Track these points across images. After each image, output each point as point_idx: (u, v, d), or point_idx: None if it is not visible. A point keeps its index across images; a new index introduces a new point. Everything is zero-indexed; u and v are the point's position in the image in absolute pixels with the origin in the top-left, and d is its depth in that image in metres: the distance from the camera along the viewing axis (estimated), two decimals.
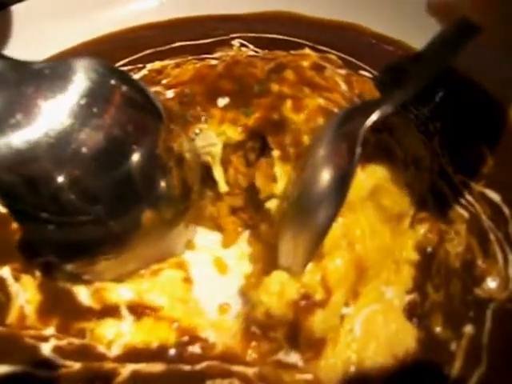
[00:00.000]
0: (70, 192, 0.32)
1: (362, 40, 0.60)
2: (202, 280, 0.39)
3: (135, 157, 0.33)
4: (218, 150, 0.38)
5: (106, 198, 0.33)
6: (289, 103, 0.39)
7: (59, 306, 0.36)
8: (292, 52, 0.47)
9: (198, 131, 0.38)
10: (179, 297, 0.36)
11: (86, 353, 0.33)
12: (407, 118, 0.50)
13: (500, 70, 0.52)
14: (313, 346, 0.33)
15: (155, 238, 0.36)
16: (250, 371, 0.33)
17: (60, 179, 0.32)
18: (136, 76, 0.57)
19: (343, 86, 0.44)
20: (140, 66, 0.59)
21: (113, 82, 0.34)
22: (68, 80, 0.33)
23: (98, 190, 0.33)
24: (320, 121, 0.37)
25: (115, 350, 0.34)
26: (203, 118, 0.41)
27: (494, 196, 0.46)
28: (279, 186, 0.37)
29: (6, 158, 0.31)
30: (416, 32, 0.56)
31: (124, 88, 0.34)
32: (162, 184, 0.35)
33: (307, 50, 0.47)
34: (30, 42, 0.58)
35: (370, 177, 0.35)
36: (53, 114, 0.32)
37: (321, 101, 0.39)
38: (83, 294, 0.36)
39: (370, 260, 0.34)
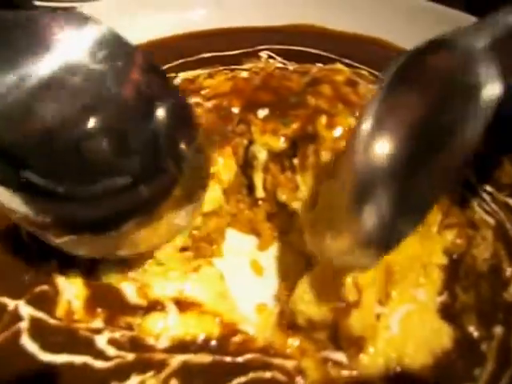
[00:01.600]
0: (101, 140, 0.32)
1: (386, 54, 0.65)
2: (240, 280, 0.43)
3: (162, 112, 0.33)
4: (262, 158, 0.42)
5: (138, 151, 0.33)
6: (324, 119, 0.43)
7: (105, 301, 0.39)
8: (325, 67, 0.51)
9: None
10: (219, 293, 0.40)
11: (136, 344, 0.37)
12: None
13: None
14: (354, 344, 0.36)
15: (178, 208, 0.36)
16: (290, 364, 0.36)
17: (88, 124, 0.32)
18: None
19: None
20: (173, 74, 0.63)
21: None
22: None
23: (130, 139, 0.33)
24: None
25: (163, 342, 0.37)
26: (242, 129, 0.45)
27: None
28: (302, 193, 0.41)
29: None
30: None
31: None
32: (187, 150, 0.35)
33: (339, 65, 0.51)
34: None
35: None
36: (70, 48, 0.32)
37: (352, 121, 0.42)
38: (128, 290, 0.39)
39: (398, 265, 0.38)
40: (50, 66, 0.31)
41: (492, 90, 0.29)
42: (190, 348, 0.37)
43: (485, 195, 0.50)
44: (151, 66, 0.35)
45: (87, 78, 0.32)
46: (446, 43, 0.32)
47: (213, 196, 0.41)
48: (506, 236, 0.46)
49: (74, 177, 0.32)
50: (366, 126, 0.28)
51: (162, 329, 0.37)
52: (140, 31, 0.68)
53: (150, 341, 0.37)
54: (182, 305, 0.39)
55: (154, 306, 0.38)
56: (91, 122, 0.32)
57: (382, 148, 0.28)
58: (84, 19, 0.34)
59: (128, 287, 0.39)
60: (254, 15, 0.72)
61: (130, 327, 0.38)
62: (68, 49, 0.32)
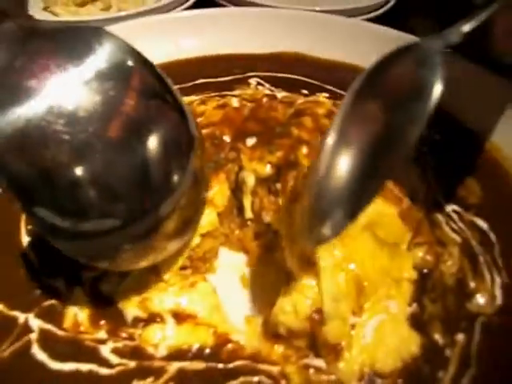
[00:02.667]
0: (90, 187, 0.31)
1: None
2: (230, 293, 0.47)
3: (153, 147, 0.34)
4: (251, 182, 0.47)
5: (126, 194, 0.33)
6: (304, 149, 0.49)
7: (108, 314, 0.44)
8: (309, 99, 0.57)
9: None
10: (213, 306, 0.44)
11: (137, 353, 0.41)
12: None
13: (486, 117, 0.63)
14: (332, 351, 0.41)
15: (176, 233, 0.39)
16: (275, 370, 0.41)
17: (77, 171, 0.31)
18: None
19: None
20: None
21: (132, 63, 0.35)
22: (87, 51, 0.32)
23: (118, 184, 0.33)
24: None
25: (162, 351, 0.42)
26: (233, 156, 0.51)
27: (482, 224, 0.55)
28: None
29: (12, 139, 0.29)
30: None
31: (144, 72, 0.35)
32: (181, 181, 0.36)
33: (322, 98, 0.57)
34: None
35: (364, 213, 0.42)
36: (64, 87, 0.31)
37: None
38: (130, 304, 0.44)
39: (369, 279, 0.43)
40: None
41: (436, 90, 0.34)
42: (186, 356, 0.42)
43: (453, 214, 0.56)
44: (147, 85, 0.35)
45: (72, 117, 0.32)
46: (404, 51, 0.37)
47: (208, 219, 0.46)
48: (471, 252, 0.52)
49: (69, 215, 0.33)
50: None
51: (160, 339, 0.42)
52: None
53: (150, 350, 0.42)
54: (179, 317, 0.43)
55: (154, 318, 0.43)
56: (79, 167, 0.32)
57: (344, 159, 0.33)
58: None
59: (129, 301, 0.44)
60: (245, 44, 0.78)
61: (131, 337, 0.43)
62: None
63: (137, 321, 0.43)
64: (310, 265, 0.42)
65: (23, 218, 0.52)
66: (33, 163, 0.31)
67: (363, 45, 0.76)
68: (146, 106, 0.35)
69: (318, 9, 0.88)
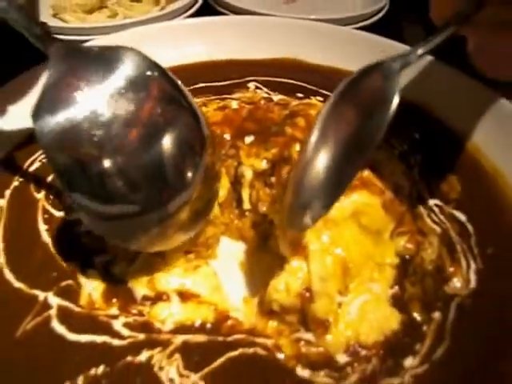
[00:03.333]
0: (116, 178, 0.39)
1: None
2: (230, 277, 0.53)
3: (169, 144, 0.41)
4: (248, 176, 0.52)
5: (146, 186, 0.40)
6: (297, 146, 0.55)
7: (119, 293, 0.49)
8: (303, 101, 0.62)
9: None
10: (214, 287, 0.50)
11: (146, 327, 0.47)
12: (391, 153, 0.65)
13: (467, 119, 0.69)
14: (320, 326, 0.46)
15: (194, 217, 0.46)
16: (269, 342, 0.46)
17: (107, 164, 0.39)
18: None
19: None
20: None
21: (153, 74, 0.42)
22: (114, 66, 0.40)
23: (139, 177, 0.40)
24: None
25: (168, 326, 0.47)
26: (232, 152, 0.56)
27: (461, 216, 0.60)
28: (277, 206, 0.51)
29: (59, 138, 0.37)
30: (412, 82, 0.74)
31: (163, 81, 0.43)
32: (194, 177, 0.43)
33: (314, 100, 0.62)
34: None
35: (350, 202, 0.49)
36: (100, 96, 0.39)
37: None
38: (139, 283, 0.49)
39: (354, 262, 0.48)
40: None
41: (395, 101, 0.42)
42: (190, 330, 0.47)
43: (434, 207, 0.62)
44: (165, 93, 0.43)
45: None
46: (375, 67, 0.45)
47: None
48: (449, 242, 0.57)
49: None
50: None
51: (166, 315, 0.47)
52: None
53: (157, 324, 0.47)
54: (184, 296, 0.49)
55: (161, 297, 0.48)
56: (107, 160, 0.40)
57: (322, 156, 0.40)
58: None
59: (138, 282, 0.49)
60: (244, 50, 0.84)
61: (140, 314, 0.48)
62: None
63: (145, 299, 0.48)
64: (300, 249, 0.47)
65: (40, 207, 0.58)
66: (73, 157, 0.39)
67: (355, 52, 0.82)
68: (164, 110, 0.42)
69: (313, 17, 0.94)
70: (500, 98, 0.67)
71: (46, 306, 0.48)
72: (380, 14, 1.10)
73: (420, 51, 0.45)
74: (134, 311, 0.48)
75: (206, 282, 0.50)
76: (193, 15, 1.05)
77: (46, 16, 1.04)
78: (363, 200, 0.49)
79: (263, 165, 0.53)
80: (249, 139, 0.56)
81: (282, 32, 0.86)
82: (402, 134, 0.71)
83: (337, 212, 0.48)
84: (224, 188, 0.53)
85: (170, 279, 0.49)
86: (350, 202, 0.48)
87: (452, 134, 0.70)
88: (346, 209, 0.48)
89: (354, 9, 1.17)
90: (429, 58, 0.76)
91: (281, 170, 0.52)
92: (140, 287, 0.49)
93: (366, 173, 0.52)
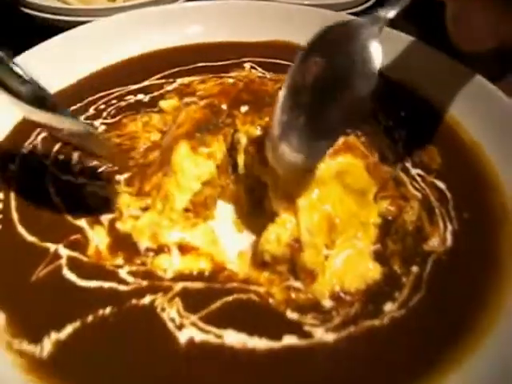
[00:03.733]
0: None
1: None
2: (226, 235, 0.57)
3: None
4: (244, 142, 0.57)
5: None
6: None
7: (124, 246, 0.54)
8: None
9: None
10: (212, 242, 0.54)
11: (149, 275, 0.51)
12: (377, 127, 0.69)
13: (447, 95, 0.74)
14: (308, 275, 0.51)
15: None
16: (262, 290, 0.51)
17: None
18: (168, 87, 0.76)
19: None
20: (171, 80, 0.78)
21: None
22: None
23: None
24: None
25: (169, 274, 0.51)
26: (229, 121, 0.60)
27: (441, 185, 0.65)
28: (269, 169, 0.55)
29: None
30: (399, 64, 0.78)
31: None
32: None
33: None
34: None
35: (335, 163, 0.53)
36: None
37: None
38: (142, 237, 0.54)
39: (339, 219, 0.53)
40: None
41: (378, 59, 0.47)
42: (189, 278, 0.52)
43: (416, 176, 0.66)
44: None
45: None
46: (346, 22, 0.51)
47: (209, 170, 0.56)
48: (429, 206, 0.62)
49: None
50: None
51: (168, 265, 0.52)
52: (144, 44, 0.84)
53: (159, 273, 0.52)
54: (183, 249, 0.53)
55: (162, 249, 0.53)
56: None
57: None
58: None
59: (142, 235, 0.54)
60: (241, 33, 0.88)
61: (143, 264, 0.52)
62: None
63: (148, 250, 0.53)
64: (290, 205, 0.52)
65: (48, 172, 0.62)
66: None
67: None
68: None
69: (307, 3, 0.98)
70: (477, 76, 0.73)
71: (57, 256, 0.52)
72: (371, 1, 1.15)
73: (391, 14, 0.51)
74: (138, 262, 0.52)
75: (204, 237, 0.55)
76: None
77: None
78: (347, 161, 0.54)
79: (257, 131, 0.57)
80: (244, 108, 0.60)
81: (277, 16, 0.90)
82: (388, 110, 0.76)
83: (323, 172, 0.52)
84: (221, 151, 0.57)
85: (171, 233, 0.54)
86: (335, 162, 0.53)
87: (434, 110, 0.75)
88: (331, 168, 0.53)
89: None
90: (414, 40, 0.81)
91: None
92: (143, 240, 0.54)
93: (352, 138, 0.57)
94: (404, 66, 0.78)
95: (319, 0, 1.00)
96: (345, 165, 0.54)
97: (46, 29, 0.84)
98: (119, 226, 0.55)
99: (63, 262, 0.52)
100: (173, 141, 0.58)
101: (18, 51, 0.72)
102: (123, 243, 0.54)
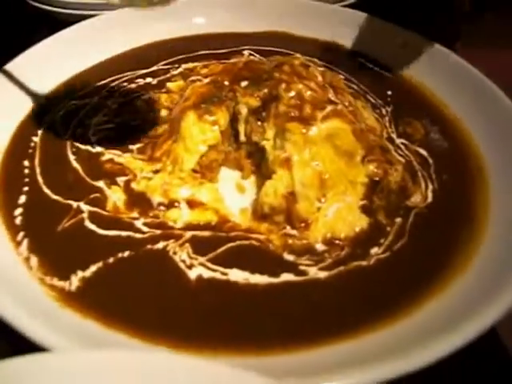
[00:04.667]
0: None
1: (337, 53, 0.89)
2: (229, 195, 0.64)
3: None
4: (244, 113, 0.64)
5: None
6: (283, 85, 0.66)
7: (139, 202, 0.61)
8: (288, 57, 0.74)
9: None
10: (217, 199, 0.61)
11: (162, 225, 0.58)
12: (364, 102, 0.77)
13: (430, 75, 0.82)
14: (302, 223, 0.58)
15: None
16: (262, 237, 0.58)
17: None
18: (174, 72, 0.84)
19: (319, 78, 0.71)
20: (176, 65, 0.86)
21: None
22: None
23: None
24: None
25: (179, 224, 0.58)
26: (231, 95, 0.67)
27: (423, 152, 0.72)
28: (268, 135, 0.63)
29: None
30: (384, 49, 0.86)
31: None
32: None
33: (297, 55, 0.74)
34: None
35: (325, 127, 0.61)
36: None
37: (301, 86, 0.66)
38: (155, 193, 0.61)
39: (329, 175, 0.60)
40: None
41: None
42: (197, 228, 0.58)
43: (401, 145, 0.73)
44: None
45: None
46: None
47: (214, 134, 0.63)
48: (412, 170, 0.69)
49: None
50: None
51: (178, 216, 0.59)
52: (151, 34, 0.91)
53: (171, 223, 0.58)
54: (191, 203, 0.60)
55: (173, 204, 0.60)
56: None
57: None
58: None
59: (154, 192, 0.61)
60: (241, 24, 0.95)
61: (156, 217, 0.59)
62: None
63: (160, 205, 0.60)
64: (285, 163, 0.59)
65: (68, 143, 0.69)
66: None
67: (336, 24, 0.95)
68: None
69: None
70: (452, 54, 0.81)
71: (79, 211, 0.59)
72: None
73: None
74: (151, 214, 0.59)
75: (209, 195, 0.61)
76: None
77: None
78: (336, 125, 0.61)
79: (256, 102, 0.64)
80: (244, 83, 0.67)
81: (275, 8, 0.98)
82: (376, 90, 0.83)
83: (315, 134, 0.60)
84: (225, 119, 0.65)
85: (180, 190, 0.61)
86: (325, 126, 0.61)
87: (417, 90, 0.82)
88: (322, 131, 0.60)
89: None
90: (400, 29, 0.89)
91: (270, 105, 0.64)
92: (156, 196, 0.60)
93: (340, 107, 0.64)
94: (391, 53, 0.87)
95: None
96: (334, 128, 0.61)
97: (56, 23, 0.92)
98: (134, 185, 0.62)
99: (85, 215, 0.58)
100: (181, 112, 0.66)
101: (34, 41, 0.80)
102: (138, 200, 0.61)
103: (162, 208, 0.60)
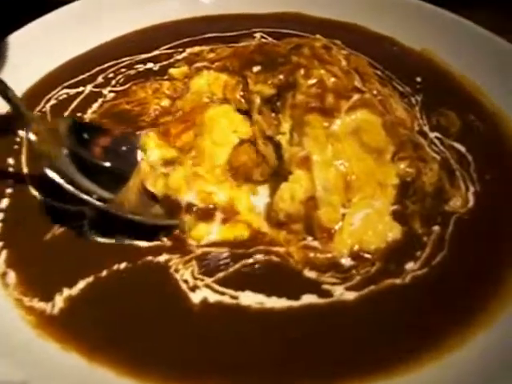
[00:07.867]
0: None
1: (355, 34, 0.78)
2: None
3: None
4: (257, 102, 0.55)
5: None
6: (302, 71, 0.56)
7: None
8: (307, 38, 0.64)
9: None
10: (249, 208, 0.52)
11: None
12: (392, 91, 0.66)
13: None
14: (325, 233, 0.49)
15: None
16: (282, 250, 0.49)
17: None
18: (178, 57, 0.74)
19: (343, 62, 0.60)
20: (180, 50, 0.76)
21: None
22: None
23: None
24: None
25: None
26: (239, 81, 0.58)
27: (461, 147, 0.62)
28: (283, 128, 0.53)
29: None
30: (405, 29, 0.75)
31: None
32: None
33: (319, 36, 0.64)
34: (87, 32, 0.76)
35: (351, 120, 0.50)
36: None
37: (322, 72, 0.55)
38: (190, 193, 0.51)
39: (355, 176, 0.50)
40: None
41: None
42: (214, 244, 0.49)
43: (435, 140, 0.63)
44: None
45: None
46: None
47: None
48: (449, 169, 0.59)
49: None
50: None
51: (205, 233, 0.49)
52: (152, 15, 0.81)
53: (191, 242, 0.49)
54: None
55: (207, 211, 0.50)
56: None
57: None
58: None
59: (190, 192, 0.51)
60: (251, 4, 0.85)
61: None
62: None
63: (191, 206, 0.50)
64: (304, 162, 0.49)
65: None
66: None
67: (353, 5, 0.84)
68: None
69: None
70: (499, 40, 0.69)
71: (79, 216, 0.50)
72: None
73: None
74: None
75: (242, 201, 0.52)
76: None
77: None
78: (364, 117, 0.51)
79: (270, 90, 0.55)
80: (256, 69, 0.58)
81: None
82: (403, 77, 0.73)
83: (339, 128, 0.50)
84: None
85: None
86: (351, 119, 0.50)
87: (451, 75, 0.72)
88: (347, 125, 0.50)
89: None
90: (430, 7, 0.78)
91: (286, 94, 0.54)
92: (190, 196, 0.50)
93: (368, 95, 0.54)
94: (421, 35, 0.76)
95: None
96: (362, 121, 0.51)
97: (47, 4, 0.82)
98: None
99: (85, 221, 0.50)
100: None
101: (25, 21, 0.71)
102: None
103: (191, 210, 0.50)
